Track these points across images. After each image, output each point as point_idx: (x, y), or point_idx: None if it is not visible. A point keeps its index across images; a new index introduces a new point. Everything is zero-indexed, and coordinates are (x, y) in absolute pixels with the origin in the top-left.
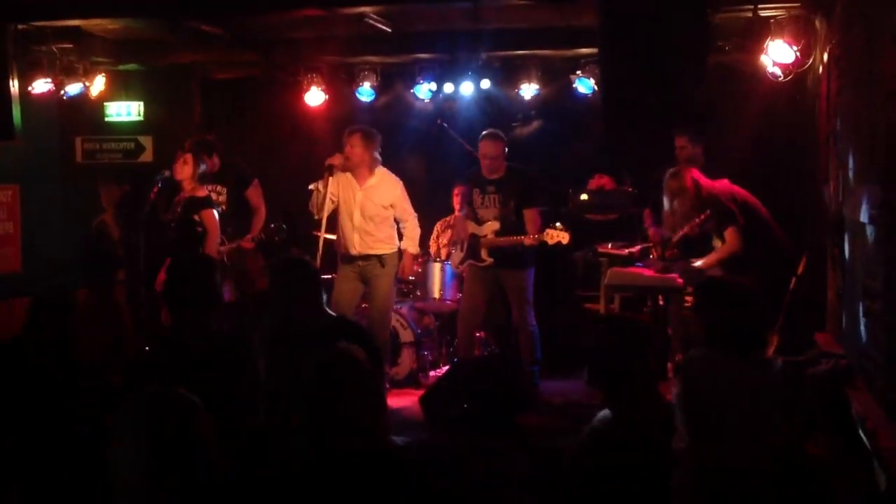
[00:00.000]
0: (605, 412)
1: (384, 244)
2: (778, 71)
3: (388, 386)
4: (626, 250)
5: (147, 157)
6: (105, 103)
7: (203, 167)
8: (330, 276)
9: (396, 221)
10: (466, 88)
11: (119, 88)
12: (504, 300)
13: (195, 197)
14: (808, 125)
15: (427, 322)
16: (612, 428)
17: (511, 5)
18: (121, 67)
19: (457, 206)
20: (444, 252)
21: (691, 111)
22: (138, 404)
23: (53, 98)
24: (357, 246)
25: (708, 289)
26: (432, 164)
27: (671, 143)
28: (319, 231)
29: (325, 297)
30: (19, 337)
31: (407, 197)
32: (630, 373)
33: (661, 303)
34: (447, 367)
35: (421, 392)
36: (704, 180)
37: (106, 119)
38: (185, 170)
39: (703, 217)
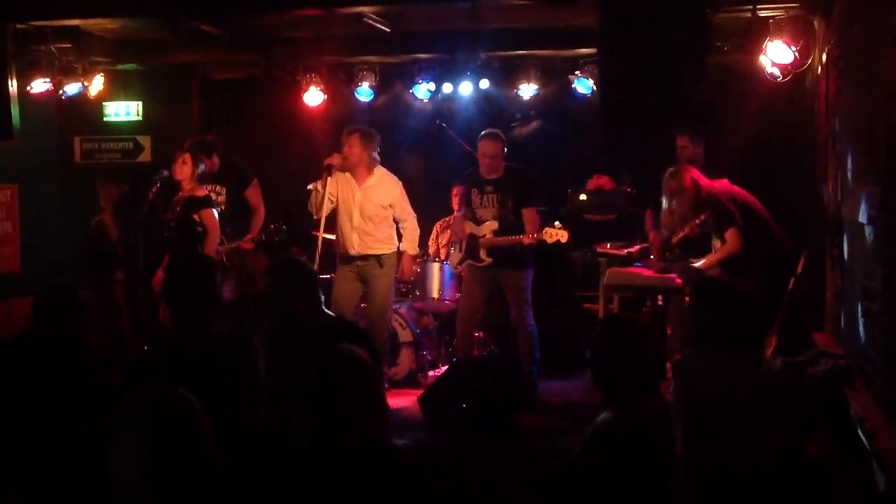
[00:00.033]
0: (606, 413)
1: (383, 244)
2: (777, 71)
3: (387, 386)
4: (625, 250)
5: (146, 156)
6: (104, 103)
7: (202, 167)
8: (329, 276)
9: (395, 221)
10: (465, 88)
11: (118, 88)
12: (503, 300)
13: (195, 197)
14: (807, 125)
15: (426, 322)
16: (613, 428)
17: (510, 5)
18: (120, 67)
19: (456, 207)
20: (443, 252)
21: (691, 111)
22: (138, 404)
23: (52, 98)
24: (356, 246)
25: (705, 289)
26: (431, 164)
27: (671, 143)
28: (318, 231)
29: (322, 297)
30: (21, 336)
31: (406, 197)
32: (630, 373)
33: (660, 303)
34: (446, 367)
35: (420, 392)
36: (704, 180)
37: (105, 119)
38: (184, 170)
39: (703, 217)
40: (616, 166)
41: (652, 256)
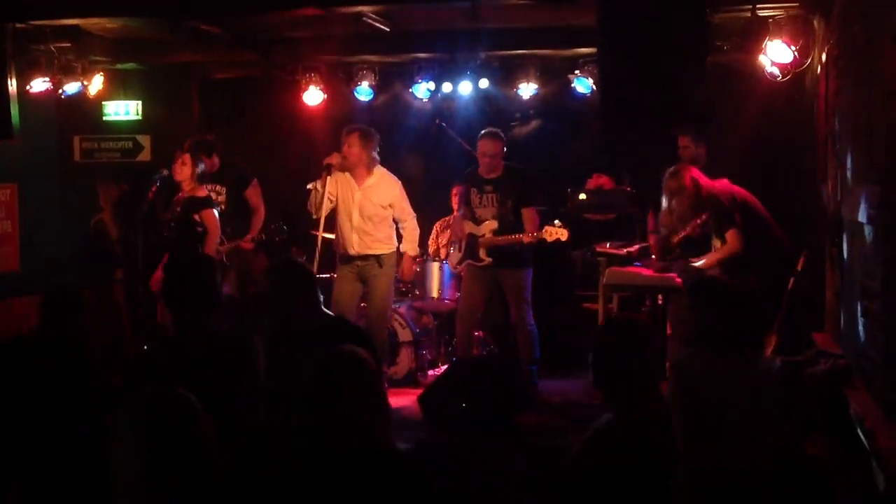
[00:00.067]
0: (607, 414)
1: (383, 244)
2: (776, 71)
3: (386, 385)
4: (625, 250)
5: (145, 156)
6: (103, 102)
7: (202, 167)
8: (329, 276)
9: (395, 221)
10: (465, 88)
11: (117, 88)
12: (502, 300)
13: (195, 197)
14: (807, 125)
15: (426, 321)
16: (613, 428)
17: (510, 5)
18: (119, 66)
19: (455, 206)
20: (442, 252)
21: (691, 111)
22: (138, 404)
23: (52, 97)
24: (356, 246)
25: (704, 289)
26: (431, 163)
27: (671, 142)
28: (318, 230)
29: (322, 297)
30: (22, 336)
31: (406, 197)
32: (630, 373)
33: (659, 302)
34: (446, 367)
35: (419, 391)
36: (704, 180)
37: (104, 118)
38: (183, 170)
39: (704, 217)
40: (616, 166)
41: (653, 256)
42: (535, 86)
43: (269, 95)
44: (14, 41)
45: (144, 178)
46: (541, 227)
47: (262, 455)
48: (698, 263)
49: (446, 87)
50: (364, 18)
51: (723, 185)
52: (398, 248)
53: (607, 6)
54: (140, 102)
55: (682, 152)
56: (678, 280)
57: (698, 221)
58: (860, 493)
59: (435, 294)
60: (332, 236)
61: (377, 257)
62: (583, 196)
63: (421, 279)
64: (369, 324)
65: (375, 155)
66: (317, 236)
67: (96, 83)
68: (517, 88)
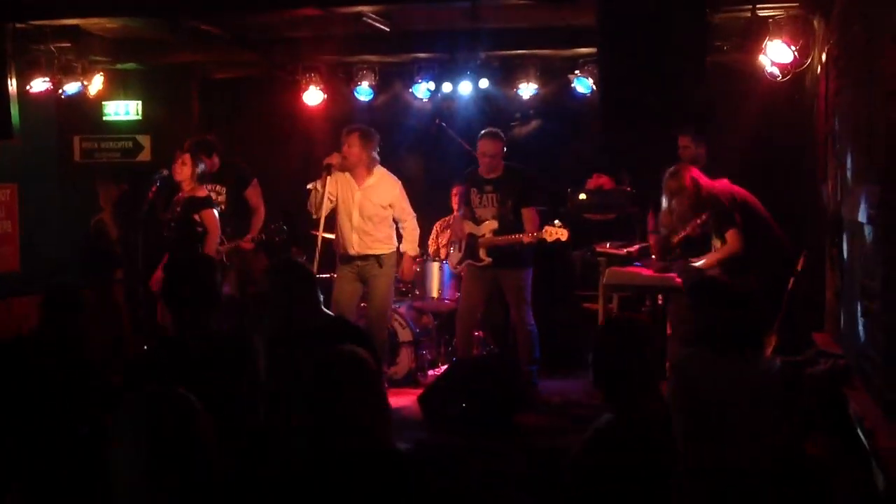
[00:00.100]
0: (607, 414)
1: (383, 244)
2: (776, 71)
3: (386, 385)
4: (625, 250)
5: (145, 156)
6: (103, 102)
7: (201, 167)
8: (328, 276)
9: (395, 221)
10: (465, 88)
11: (117, 87)
12: (502, 300)
13: (196, 197)
14: (807, 125)
15: (426, 321)
16: (614, 428)
17: (510, 5)
18: (119, 66)
19: (455, 206)
20: (442, 252)
21: (690, 111)
22: (138, 404)
23: (52, 97)
24: (356, 246)
25: (703, 289)
26: (431, 163)
27: (670, 142)
28: (318, 230)
29: (322, 297)
30: (22, 336)
31: (406, 197)
32: (630, 373)
33: (659, 302)
34: (446, 367)
35: (419, 391)
36: (704, 180)
37: (104, 118)
38: (183, 171)
39: (704, 218)
40: (616, 166)
41: (653, 256)
42: (535, 86)
43: (269, 95)
44: (14, 41)
45: (144, 178)
46: (541, 227)
47: (262, 455)
48: (698, 263)
49: (446, 87)
50: (364, 18)
51: (723, 185)
52: (398, 249)
53: (607, 6)
54: (140, 102)
55: (682, 152)
56: (678, 280)
57: (698, 221)
58: (860, 493)
59: (435, 294)
60: (332, 236)
61: (377, 257)
62: (583, 196)
63: (421, 279)
64: (369, 324)
65: (375, 155)
66: (317, 236)
67: (96, 83)
68: (517, 88)
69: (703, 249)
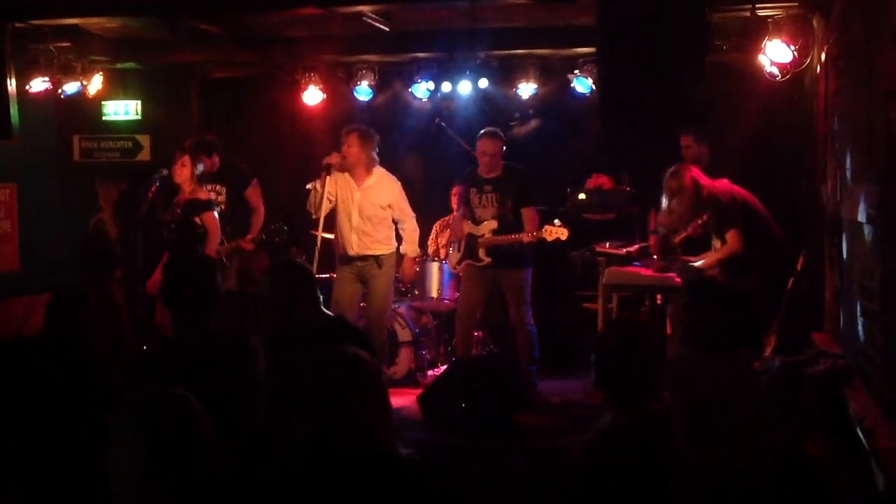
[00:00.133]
0: (609, 414)
1: (382, 245)
2: (776, 70)
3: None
4: (624, 249)
5: (145, 156)
6: (103, 102)
7: (200, 167)
8: (328, 276)
9: (395, 222)
10: (464, 87)
11: (117, 87)
12: (502, 300)
13: (197, 200)
14: (806, 125)
15: (425, 321)
16: (615, 428)
17: (509, 4)
18: (119, 66)
19: (455, 206)
20: (442, 252)
21: (690, 111)
22: (138, 404)
23: (51, 97)
24: (355, 246)
25: (699, 289)
26: (430, 163)
27: (670, 142)
28: (317, 230)
29: (321, 297)
30: (22, 337)
31: (405, 197)
32: (633, 374)
33: (659, 302)
34: (445, 367)
35: (419, 391)
36: (705, 180)
37: (104, 118)
38: (183, 172)
39: (705, 218)
40: (615, 166)
41: (655, 257)
42: (535, 85)
43: (269, 95)
44: (13, 41)
45: (144, 177)
46: (540, 227)
47: (262, 455)
48: (698, 264)
49: (445, 86)
50: (363, 18)
51: (723, 185)
52: (398, 249)
53: (607, 6)
54: (139, 102)
55: (684, 152)
56: (678, 280)
57: (699, 222)
58: (860, 493)
59: (434, 294)
60: (331, 236)
61: (376, 258)
62: (582, 196)
63: (420, 279)
64: (369, 324)
65: (375, 155)
66: (316, 236)
67: (96, 83)
68: (516, 88)
69: (704, 249)
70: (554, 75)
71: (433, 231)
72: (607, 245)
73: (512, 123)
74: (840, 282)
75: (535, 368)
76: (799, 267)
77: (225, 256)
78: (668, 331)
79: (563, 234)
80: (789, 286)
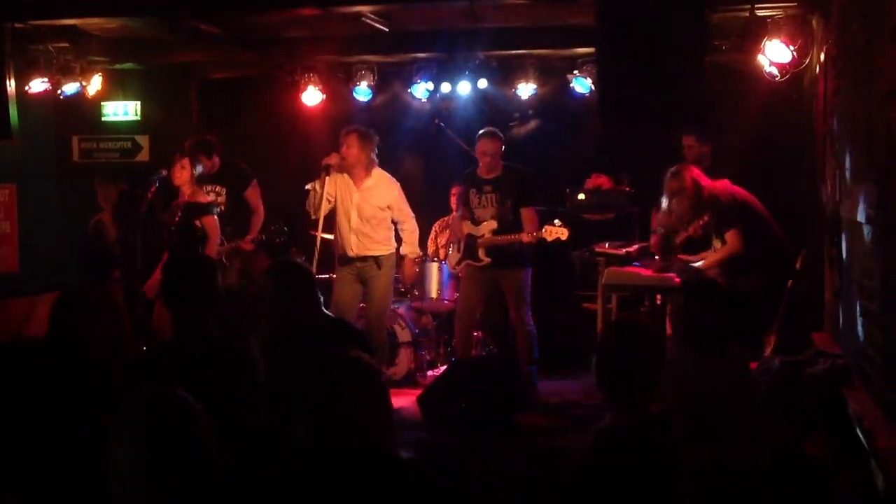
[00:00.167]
0: (611, 415)
1: (381, 245)
2: (775, 71)
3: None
4: (624, 250)
5: (144, 156)
6: (102, 103)
7: (199, 168)
8: (328, 276)
9: (394, 223)
10: (463, 88)
11: (116, 88)
12: (501, 300)
13: (197, 203)
14: (806, 125)
15: (425, 322)
16: (617, 429)
17: (508, 4)
18: (118, 67)
19: (454, 206)
20: (441, 252)
21: (689, 111)
22: (138, 404)
23: (50, 97)
24: (354, 247)
25: (698, 290)
26: (430, 163)
27: (670, 142)
28: (317, 231)
29: (322, 297)
30: (21, 337)
31: (404, 198)
32: (635, 374)
33: (658, 302)
34: (445, 367)
35: (419, 392)
36: (705, 180)
37: (103, 118)
38: (182, 174)
39: (706, 219)
40: (615, 166)
41: (657, 257)
42: (534, 86)
43: (268, 95)
44: (13, 41)
45: (143, 178)
46: (540, 227)
47: (262, 455)
48: (698, 264)
49: (445, 87)
50: (363, 18)
51: (724, 185)
52: (398, 250)
53: (606, 6)
54: (139, 103)
55: (686, 152)
56: (677, 280)
57: (701, 223)
58: (860, 493)
59: (434, 294)
60: (330, 237)
61: (376, 259)
62: (581, 196)
63: (420, 279)
64: (368, 325)
65: (374, 156)
66: (316, 237)
67: (95, 83)
68: (516, 88)
69: (705, 250)
70: (553, 75)
71: (433, 231)
72: (607, 245)
73: (511, 124)
74: (840, 282)
75: (534, 368)
76: (798, 267)
77: (225, 257)
78: (668, 331)
79: (564, 234)
80: (789, 286)
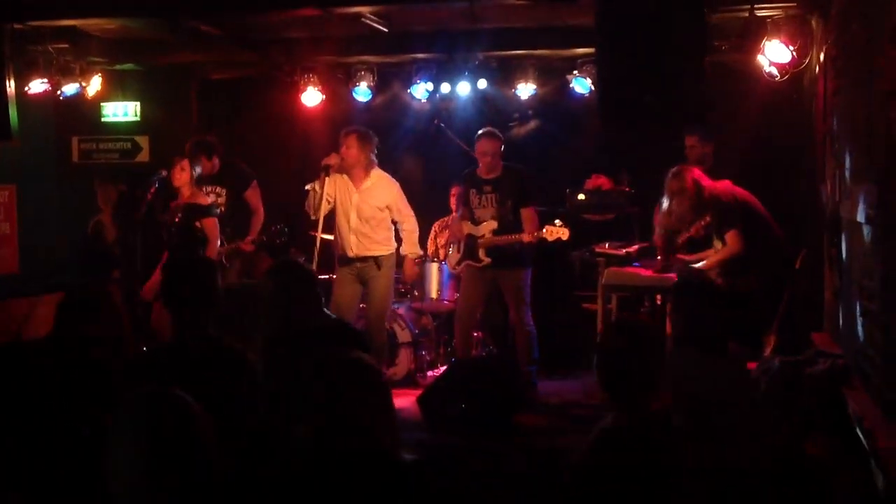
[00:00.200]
0: (612, 415)
1: (381, 246)
2: (774, 71)
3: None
4: (624, 250)
5: (144, 157)
6: (102, 103)
7: (198, 169)
8: (328, 277)
9: (394, 223)
10: (463, 88)
11: (116, 88)
12: (501, 300)
13: (197, 205)
14: (806, 125)
15: (425, 322)
16: (619, 429)
17: (508, 5)
18: (117, 67)
19: (454, 207)
20: (441, 252)
21: (689, 111)
22: (137, 404)
23: (50, 98)
24: (354, 248)
25: (691, 289)
26: (429, 163)
27: (670, 142)
28: (316, 231)
29: (322, 297)
30: (21, 338)
31: (404, 198)
32: (630, 373)
33: (658, 302)
34: (445, 368)
35: (419, 392)
36: (706, 181)
37: (102, 119)
38: (182, 176)
39: (708, 220)
40: (615, 166)
41: (658, 257)
42: (534, 86)
43: (268, 96)
44: (12, 42)
45: (143, 179)
46: (540, 227)
47: (262, 455)
48: (698, 265)
49: (445, 87)
50: (362, 19)
51: (724, 186)
52: (398, 250)
53: (606, 6)
54: (138, 103)
55: (688, 152)
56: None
57: (702, 223)
58: (860, 493)
59: (434, 295)
60: (330, 237)
61: (375, 259)
62: (581, 196)
63: (420, 280)
64: (368, 325)
65: (373, 157)
66: (315, 237)
67: (94, 84)
68: (515, 89)
69: (705, 249)
70: (553, 76)
71: (432, 231)
72: (606, 245)
73: (511, 124)
74: (840, 282)
75: (534, 369)
76: (798, 267)
77: (225, 258)
78: (668, 331)
79: (564, 234)
80: (789, 286)
